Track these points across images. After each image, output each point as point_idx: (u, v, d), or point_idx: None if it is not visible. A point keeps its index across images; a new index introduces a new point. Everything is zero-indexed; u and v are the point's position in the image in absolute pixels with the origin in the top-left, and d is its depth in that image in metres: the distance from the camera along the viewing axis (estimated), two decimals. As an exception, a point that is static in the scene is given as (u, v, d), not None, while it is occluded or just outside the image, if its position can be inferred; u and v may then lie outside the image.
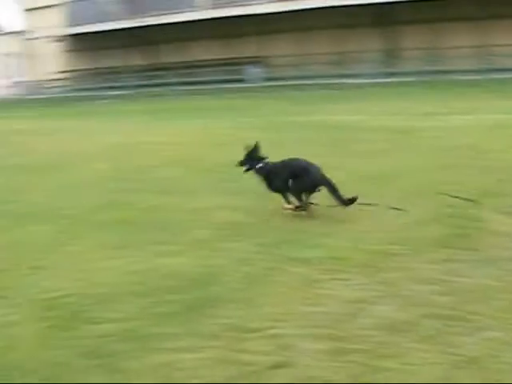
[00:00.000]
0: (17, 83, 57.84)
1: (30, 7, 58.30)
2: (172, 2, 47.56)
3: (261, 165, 8.26)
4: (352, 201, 7.49)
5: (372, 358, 4.25)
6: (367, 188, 9.19)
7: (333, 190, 7.51)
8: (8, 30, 67.69)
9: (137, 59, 50.88)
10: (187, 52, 49.41)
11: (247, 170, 8.42)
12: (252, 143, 8.41)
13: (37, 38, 57.21)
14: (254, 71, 43.79)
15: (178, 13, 46.88)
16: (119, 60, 51.69)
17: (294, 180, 7.73)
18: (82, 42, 53.74)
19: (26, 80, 57.92)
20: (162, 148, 14.76)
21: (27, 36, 58.84)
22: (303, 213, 7.91)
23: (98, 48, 53.02)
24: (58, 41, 54.40)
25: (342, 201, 7.52)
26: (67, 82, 55.41)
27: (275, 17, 44.20)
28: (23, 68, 59.44)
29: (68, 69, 55.30)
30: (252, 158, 8.32)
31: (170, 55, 49.71)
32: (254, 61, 44.94)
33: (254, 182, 8.63)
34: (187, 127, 19.84)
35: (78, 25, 52.12)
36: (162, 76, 46.44)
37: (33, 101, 47.29)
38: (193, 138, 16.38)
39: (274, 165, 8.15)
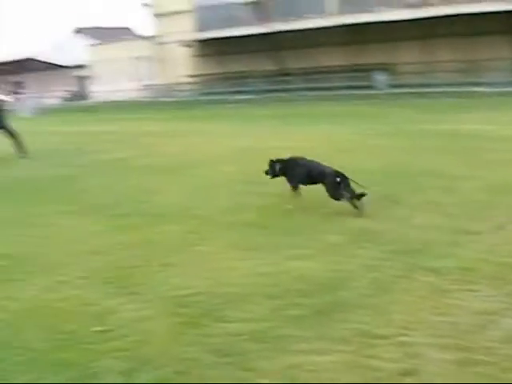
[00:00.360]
0: (147, 86, 59.26)
1: (160, 12, 59.67)
2: (300, 9, 47.75)
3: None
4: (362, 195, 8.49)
5: (499, 370, 4.19)
6: (497, 199, 9.05)
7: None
8: (140, 35, 69.53)
9: (264, 64, 51.25)
10: (314, 58, 49.43)
11: (272, 177, 9.96)
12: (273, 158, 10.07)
13: (167, 43, 58.49)
14: (380, 78, 43.41)
15: (305, 19, 47.01)
16: (246, 65, 52.20)
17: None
18: (210, 47, 54.61)
19: (156, 83, 59.26)
20: (289, 152, 14.78)
21: (158, 40, 60.19)
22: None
23: (226, 53, 53.75)
24: (186, 45, 55.46)
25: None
26: (196, 86, 56.34)
27: (402, 24, 43.72)
28: (153, 71, 60.85)
29: (197, 73, 56.28)
30: (273, 168, 9.91)
31: (297, 61, 49.87)
32: (380, 67, 44.49)
33: (381, 189, 8.69)
34: (314, 132, 19.83)
35: (207, 30, 52.96)
36: (289, 81, 46.59)
37: (163, 103, 48.35)
38: (319, 144, 16.38)
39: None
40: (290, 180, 9.68)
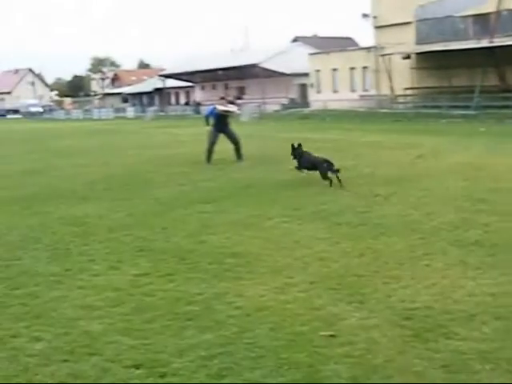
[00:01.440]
0: (365, 96, 59.25)
1: (381, 24, 59.50)
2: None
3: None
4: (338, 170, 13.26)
5: None
6: None
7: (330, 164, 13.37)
8: (361, 46, 69.83)
9: (485, 79, 49.79)
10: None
11: (294, 158, 14.49)
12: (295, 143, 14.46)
13: (386, 54, 58.21)
14: None
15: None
16: (466, 79, 50.77)
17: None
18: (429, 60, 53.65)
19: (374, 94, 59.13)
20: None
21: (377, 51, 60.07)
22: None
23: (446, 66, 52.42)
24: (405, 57, 54.89)
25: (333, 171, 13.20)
26: (414, 99, 55.65)
27: None
28: (372, 82, 60.77)
29: (415, 85, 55.62)
30: (295, 151, 14.50)
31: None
32: None
33: None
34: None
35: (427, 43, 52.26)
36: (508, 98, 44.91)
37: (380, 115, 48.03)
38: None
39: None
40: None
